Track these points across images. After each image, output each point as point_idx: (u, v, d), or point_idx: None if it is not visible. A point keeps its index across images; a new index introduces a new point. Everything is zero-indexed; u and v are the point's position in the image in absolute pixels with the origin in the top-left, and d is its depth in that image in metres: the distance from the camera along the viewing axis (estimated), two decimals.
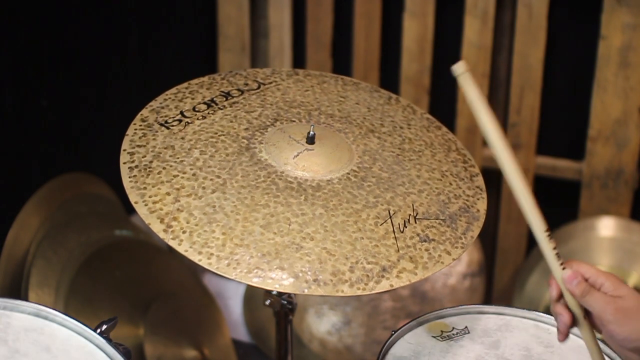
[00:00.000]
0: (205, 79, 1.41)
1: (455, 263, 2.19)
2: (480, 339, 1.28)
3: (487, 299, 2.37)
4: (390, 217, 1.21)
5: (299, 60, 2.44)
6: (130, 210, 2.05)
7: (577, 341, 1.27)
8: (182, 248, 1.13)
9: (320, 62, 2.40)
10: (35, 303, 1.20)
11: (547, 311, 1.32)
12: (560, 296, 1.10)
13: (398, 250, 1.18)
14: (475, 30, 2.22)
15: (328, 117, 1.37)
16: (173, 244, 1.13)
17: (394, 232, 1.19)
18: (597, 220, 2.23)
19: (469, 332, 1.29)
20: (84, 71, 2.08)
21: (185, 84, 1.39)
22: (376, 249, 1.17)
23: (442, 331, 1.28)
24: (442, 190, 1.29)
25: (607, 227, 2.21)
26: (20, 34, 1.89)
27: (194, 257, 1.12)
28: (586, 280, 1.09)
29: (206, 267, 1.12)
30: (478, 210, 1.28)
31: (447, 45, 2.29)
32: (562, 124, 2.31)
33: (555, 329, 1.29)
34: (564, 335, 1.12)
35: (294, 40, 2.42)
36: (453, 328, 1.29)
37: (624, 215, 2.24)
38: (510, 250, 2.37)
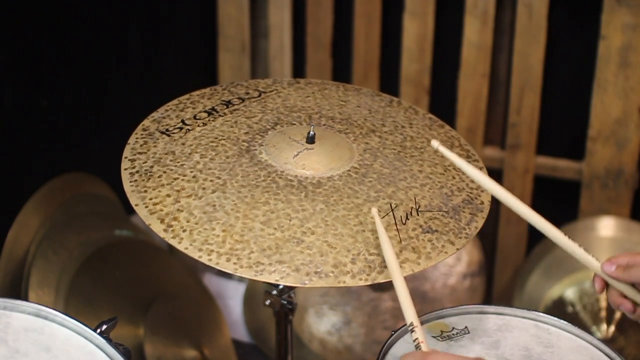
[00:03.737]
0: (207, 90, 1.43)
1: (456, 263, 2.19)
2: (480, 339, 1.28)
3: (487, 299, 2.37)
4: (392, 209, 1.21)
5: (299, 60, 2.44)
6: (130, 210, 2.05)
7: (577, 341, 1.28)
8: (182, 246, 1.13)
9: (320, 62, 2.40)
10: (35, 303, 1.19)
11: (547, 311, 1.32)
12: (605, 286, 1.14)
13: (400, 242, 1.18)
14: (475, 30, 2.22)
15: (329, 119, 1.38)
16: (173, 242, 1.14)
17: (395, 224, 1.20)
18: (597, 220, 2.23)
19: (468, 332, 1.29)
20: (84, 71, 2.08)
21: (187, 95, 1.41)
22: (378, 240, 1.17)
23: (442, 331, 1.28)
24: (444, 183, 1.29)
25: (607, 227, 2.21)
26: (20, 34, 1.89)
27: (194, 254, 1.13)
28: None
29: (206, 263, 1.12)
30: (482, 203, 1.28)
31: (447, 45, 2.29)
32: (562, 124, 2.31)
33: (555, 329, 1.29)
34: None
35: (294, 40, 2.42)
36: (453, 328, 1.29)
37: (624, 215, 2.24)
38: (510, 250, 2.37)
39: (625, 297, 1.14)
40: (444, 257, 1.19)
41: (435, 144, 1.17)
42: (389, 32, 2.34)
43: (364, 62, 2.36)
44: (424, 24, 2.26)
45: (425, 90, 2.32)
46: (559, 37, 2.21)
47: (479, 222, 1.25)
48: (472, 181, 1.31)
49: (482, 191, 1.30)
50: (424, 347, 1.04)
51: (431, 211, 1.23)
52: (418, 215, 1.22)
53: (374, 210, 1.18)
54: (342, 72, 2.40)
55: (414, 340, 1.05)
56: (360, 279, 1.13)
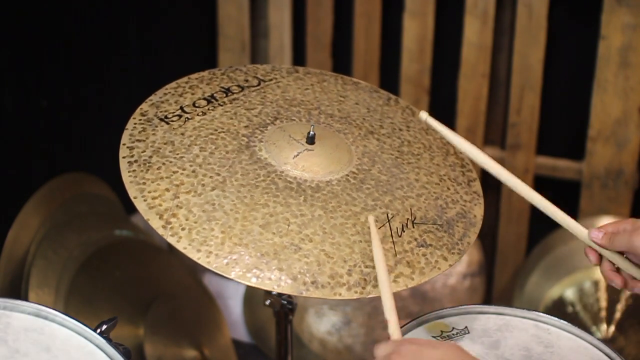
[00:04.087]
0: (205, 73, 1.41)
1: (455, 263, 2.19)
2: (480, 339, 1.28)
3: (487, 299, 2.37)
4: (389, 220, 1.21)
5: (299, 60, 2.44)
6: (130, 210, 2.06)
7: (577, 341, 1.28)
8: (181, 245, 1.13)
9: (320, 62, 2.40)
10: (35, 303, 1.20)
11: (547, 311, 1.32)
12: (599, 257, 1.14)
13: (395, 255, 1.17)
14: (475, 30, 2.22)
15: (328, 116, 1.37)
16: (172, 240, 1.13)
17: (391, 236, 1.19)
18: (597, 220, 2.22)
19: (468, 332, 1.29)
20: (84, 71, 2.09)
21: (185, 79, 1.39)
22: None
23: (442, 331, 1.28)
24: (440, 194, 1.28)
25: None
26: (20, 33, 1.89)
27: (193, 255, 1.12)
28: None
29: (205, 265, 1.12)
30: (475, 216, 1.28)
31: (447, 45, 2.29)
32: (562, 124, 2.31)
33: (555, 329, 1.29)
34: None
35: (294, 40, 2.42)
36: (453, 328, 1.29)
37: (624, 215, 2.24)
38: (510, 250, 2.37)
39: (618, 270, 1.14)
40: (437, 273, 1.19)
41: (423, 115, 1.20)
42: (389, 32, 2.34)
43: (364, 62, 2.36)
44: (424, 24, 2.26)
45: (425, 90, 2.32)
46: (559, 37, 2.21)
47: (472, 237, 1.25)
48: (467, 193, 1.31)
49: (476, 205, 1.30)
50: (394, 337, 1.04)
51: (426, 224, 1.23)
52: (413, 227, 1.22)
53: (371, 219, 1.18)
54: (342, 72, 2.37)
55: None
56: (356, 292, 1.13)
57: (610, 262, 1.14)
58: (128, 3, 2.19)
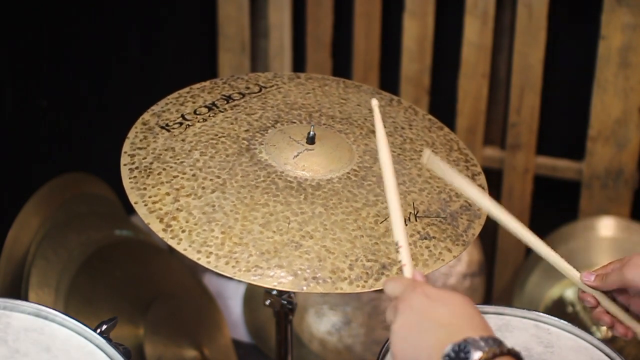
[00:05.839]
0: (207, 83, 1.42)
1: (455, 263, 2.19)
2: None
3: (487, 299, 2.37)
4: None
5: (299, 60, 2.44)
6: (130, 210, 2.05)
7: (577, 341, 1.28)
8: (181, 247, 1.13)
9: (320, 62, 2.40)
10: (35, 303, 1.19)
11: (547, 311, 1.32)
12: (596, 301, 1.15)
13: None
14: (475, 30, 2.22)
15: (329, 118, 1.37)
16: (172, 243, 1.14)
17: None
18: (597, 220, 2.23)
19: None
20: (84, 71, 2.08)
21: (187, 89, 1.40)
22: (376, 246, 1.17)
23: None
24: (443, 188, 1.29)
25: (607, 227, 2.21)
26: (20, 33, 1.89)
27: (193, 256, 1.13)
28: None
29: (205, 265, 1.12)
30: (479, 209, 1.28)
31: (447, 45, 2.29)
32: (562, 124, 2.31)
33: (555, 329, 1.29)
34: (626, 332, 1.16)
35: (294, 40, 2.42)
36: None
37: (624, 215, 2.24)
38: (510, 250, 2.37)
39: (609, 313, 1.15)
40: (441, 264, 1.19)
41: (427, 152, 1.13)
42: (389, 32, 2.34)
43: (364, 62, 2.36)
44: (424, 24, 2.26)
45: (425, 90, 2.32)
46: (559, 37, 2.21)
47: (476, 228, 1.25)
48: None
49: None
50: (406, 271, 1.00)
51: (429, 217, 1.23)
52: (416, 221, 1.22)
53: (374, 102, 1.12)
54: (342, 72, 2.40)
55: (399, 262, 1.00)
56: (358, 286, 1.13)
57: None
58: (128, 3, 2.19)
